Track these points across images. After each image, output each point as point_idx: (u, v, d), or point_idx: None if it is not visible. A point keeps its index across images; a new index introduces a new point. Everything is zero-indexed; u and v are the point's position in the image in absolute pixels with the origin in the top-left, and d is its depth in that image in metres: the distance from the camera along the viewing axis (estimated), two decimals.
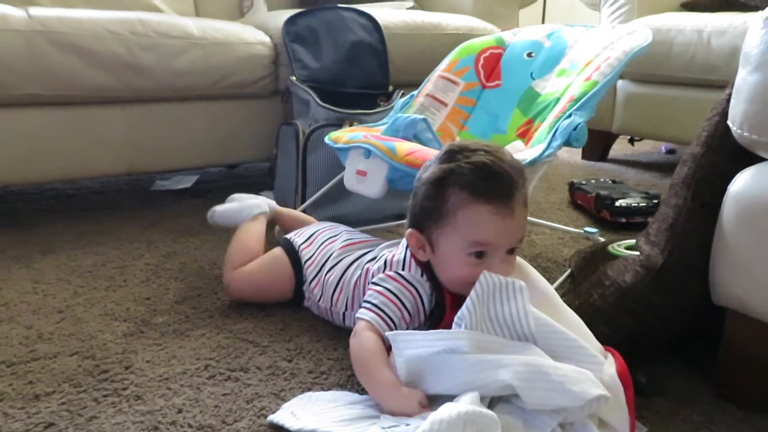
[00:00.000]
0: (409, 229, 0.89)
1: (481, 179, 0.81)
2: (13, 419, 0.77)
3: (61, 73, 1.41)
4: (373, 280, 0.92)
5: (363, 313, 0.86)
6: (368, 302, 0.88)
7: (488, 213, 0.81)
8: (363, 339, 0.83)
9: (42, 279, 1.19)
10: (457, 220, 0.83)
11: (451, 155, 0.85)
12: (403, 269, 0.90)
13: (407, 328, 0.88)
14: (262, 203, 1.25)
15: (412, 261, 0.90)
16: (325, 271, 1.03)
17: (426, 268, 0.90)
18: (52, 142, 1.47)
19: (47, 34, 1.38)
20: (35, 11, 1.40)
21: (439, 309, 0.89)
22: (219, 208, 1.25)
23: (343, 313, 0.99)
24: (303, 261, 1.06)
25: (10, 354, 0.92)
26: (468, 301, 0.78)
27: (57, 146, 1.47)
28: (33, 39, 1.37)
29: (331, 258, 1.04)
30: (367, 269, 0.97)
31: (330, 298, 1.00)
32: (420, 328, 0.90)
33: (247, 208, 1.23)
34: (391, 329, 0.85)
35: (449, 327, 0.88)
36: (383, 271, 0.92)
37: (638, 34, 1.29)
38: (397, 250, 0.95)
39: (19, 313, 1.05)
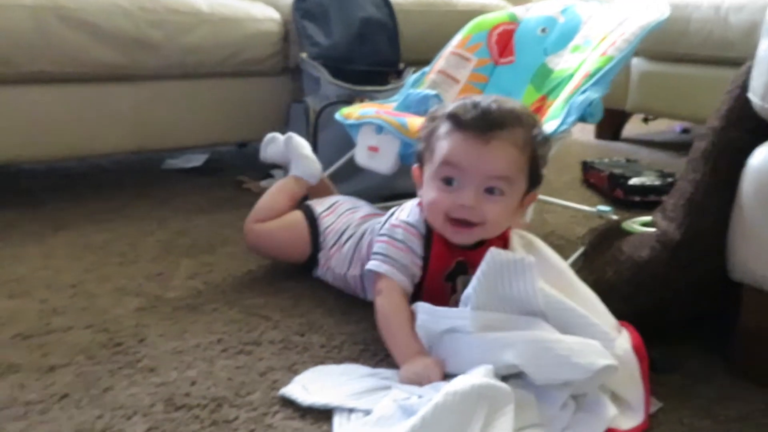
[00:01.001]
0: (414, 164, 0.93)
1: (463, 110, 0.85)
2: (29, 390, 0.77)
3: (69, 49, 1.40)
4: (381, 231, 0.93)
5: (376, 265, 0.88)
6: (379, 253, 0.89)
7: (461, 138, 0.84)
8: (390, 304, 0.85)
9: (54, 255, 1.20)
10: (436, 147, 0.86)
11: (458, 100, 0.90)
12: (408, 217, 0.92)
13: (420, 274, 0.90)
14: (313, 172, 1.22)
15: (418, 208, 0.92)
16: (344, 240, 1.04)
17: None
18: (62, 120, 1.46)
19: (55, 10, 1.37)
20: None
21: (426, 255, 0.90)
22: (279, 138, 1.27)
23: (360, 277, 1.00)
24: (322, 228, 1.07)
25: (24, 327, 0.92)
26: (474, 279, 0.78)
27: (66, 123, 1.47)
28: (41, 14, 1.36)
29: (349, 228, 1.05)
30: (377, 230, 0.98)
31: (347, 265, 1.01)
32: None
33: (297, 160, 1.22)
34: (407, 276, 0.88)
35: (435, 279, 0.90)
36: (390, 223, 0.93)
37: (655, 8, 1.26)
38: (406, 205, 0.97)
39: (33, 287, 1.06)
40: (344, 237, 1.05)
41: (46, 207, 1.48)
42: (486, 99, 0.86)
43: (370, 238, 0.99)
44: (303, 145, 1.24)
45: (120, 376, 0.81)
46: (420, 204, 0.92)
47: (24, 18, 1.34)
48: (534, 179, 0.88)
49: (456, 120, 0.84)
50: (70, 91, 1.46)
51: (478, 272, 0.77)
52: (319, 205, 1.13)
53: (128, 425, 0.71)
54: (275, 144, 1.27)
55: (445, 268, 0.90)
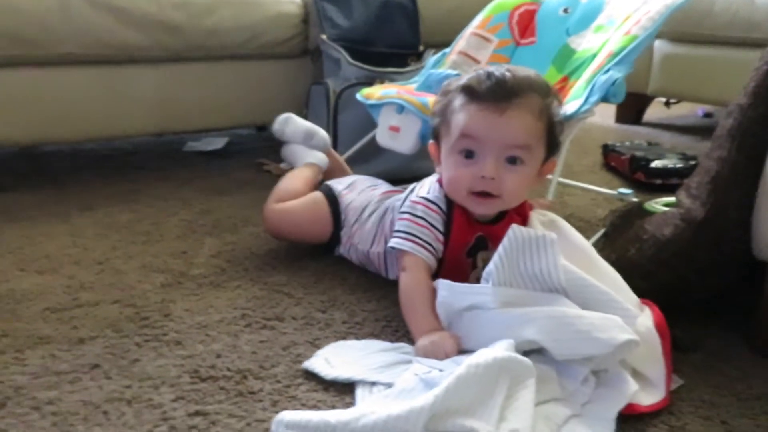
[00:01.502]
0: (431, 141, 0.92)
1: (477, 82, 0.85)
2: (60, 360, 0.79)
3: (94, 31, 1.42)
4: (402, 209, 0.94)
5: (400, 243, 0.89)
6: (401, 231, 0.90)
7: (477, 109, 0.84)
8: (413, 280, 0.86)
9: (81, 234, 1.22)
10: (452, 121, 0.86)
11: (471, 72, 0.90)
12: (428, 193, 0.92)
13: (442, 247, 0.90)
14: (318, 159, 1.24)
15: (437, 185, 0.92)
16: (366, 216, 1.04)
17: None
18: (86, 101, 1.48)
19: None
20: None
21: (446, 230, 0.90)
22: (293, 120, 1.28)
23: (383, 254, 1.00)
24: (344, 206, 1.08)
25: (54, 301, 0.95)
26: (496, 256, 0.78)
27: (90, 105, 1.49)
28: None
29: (371, 204, 1.06)
30: (397, 206, 0.99)
31: (370, 242, 1.02)
32: None
33: (315, 143, 1.25)
34: (431, 252, 0.88)
35: (456, 253, 0.90)
36: (410, 199, 0.93)
37: None
38: (426, 180, 0.97)
39: (61, 264, 1.08)
40: (366, 213, 1.05)
41: (71, 188, 1.50)
42: (499, 68, 0.85)
43: (392, 216, 1.00)
44: (305, 122, 1.27)
45: (147, 348, 0.83)
46: (439, 180, 0.92)
47: (50, 1, 1.36)
48: (552, 146, 0.88)
49: (470, 91, 0.84)
50: (94, 73, 1.48)
51: (500, 248, 0.77)
52: (338, 184, 1.14)
53: (156, 395, 0.73)
54: (294, 123, 1.27)
55: (465, 243, 0.90)
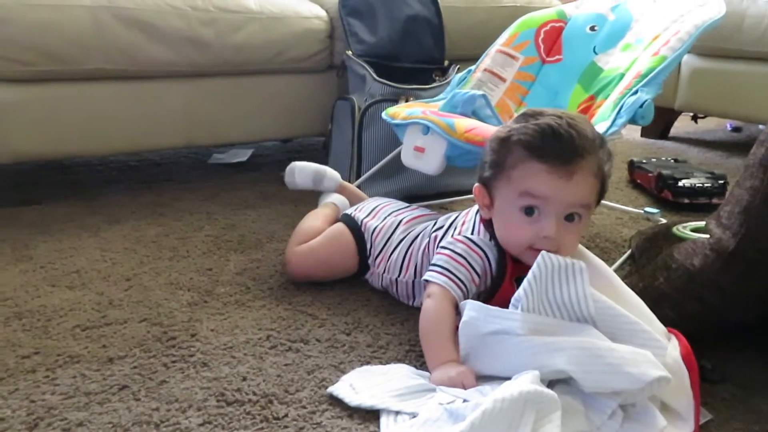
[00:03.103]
0: (476, 184, 0.91)
1: (541, 139, 0.82)
2: (90, 380, 0.81)
3: (125, 47, 1.44)
4: (442, 244, 0.93)
5: (434, 276, 0.88)
6: (437, 265, 0.89)
7: (541, 169, 0.82)
8: (437, 308, 0.85)
9: (109, 248, 1.24)
10: (512, 175, 0.85)
11: (523, 117, 0.87)
12: (472, 233, 0.92)
13: (477, 291, 0.90)
14: (335, 199, 1.25)
15: (481, 225, 0.92)
16: (394, 244, 1.04)
17: (493, 232, 0.90)
18: (115, 116, 1.51)
19: (112, 9, 1.42)
20: None
21: (498, 278, 0.90)
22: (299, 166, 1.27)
23: (413, 282, 1.00)
24: (369, 234, 1.07)
25: (84, 318, 0.96)
26: (525, 282, 0.78)
27: (120, 119, 1.52)
28: (99, 14, 1.40)
29: (399, 230, 1.05)
30: (435, 236, 0.99)
31: (398, 269, 1.02)
32: (483, 291, 0.91)
33: (326, 185, 1.26)
34: (462, 291, 0.87)
35: (505, 298, 0.89)
36: (452, 236, 0.93)
37: (711, 6, 1.23)
38: (466, 216, 0.96)
39: (91, 279, 1.10)
40: (394, 241, 1.04)
41: (100, 200, 1.53)
42: (559, 123, 0.82)
43: (424, 243, 0.99)
44: (311, 166, 1.26)
45: (174, 369, 0.84)
46: (483, 221, 0.91)
47: (82, 18, 1.39)
48: (600, 196, 0.88)
49: (535, 150, 0.82)
50: (124, 88, 1.50)
51: (530, 275, 0.77)
52: (359, 211, 1.12)
53: (183, 418, 0.74)
54: (302, 173, 1.26)
55: (513, 291, 0.90)
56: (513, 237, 0.86)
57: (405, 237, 1.04)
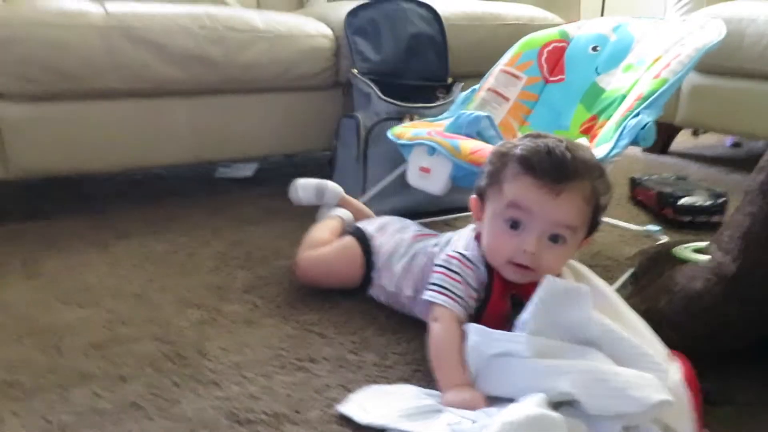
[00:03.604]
0: (473, 195, 0.93)
1: (536, 157, 0.85)
2: (103, 399, 0.82)
3: (134, 66, 1.46)
4: (437, 261, 0.95)
5: (434, 297, 0.90)
6: (435, 284, 0.91)
7: (531, 184, 0.84)
8: (445, 331, 0.87)
9: (118, 264, 1.26)
10: (503, 188, 0.87)
11: (527, 137, 0.90)
12: (465, 249, 0.94)
13: (475, 305, 0.91)
14: (341, 213, 1.28)
15: (476, 243, 0.94)
16: (396, 259, 1.06)
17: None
18: (124, 132, 1.53)
19: (123, 29, 1.44)
20: (111, 7, 1.46)
21: (487, 292, 0.92)
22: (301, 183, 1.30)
23: (412, 298, 1.02)
24: (375, 248, 1.10)
25: (95, 337, 0.98)
26: (531, 305, 0.80)
27: (128, 136, 1.53)
28: (109, 34, 1.43)
29: (402, 247, 1.07)
30: (431, 253, 1.01)
31: (399, 285, 1.04)
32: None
33: (328, 199, 1.29)
34: (463, 307, 0.89)
35: (496, 313, 0.91)
36: (447, 253, 0.95)
37: (711, 28, 1.26)
38: (462, 233, 0.99)
39: (101, 297, 1.12)
40: (396, 257, 1.07)
41: (107, 214, 1.55)
42: (558, 144, 0.85)
43: (423, 261, 1.02)
44: (312, 181, 1.30)
45: (185, 388, 0.85)
46: (477, 237, 0.94)
47: (94, 37, 1.41)
48: (592, 227, 0.90)
49: (527, 165, 0.85)
50: (132, 106, 1.52)
51: (535, 298, 0.79)
52: (369, 225, 1.16)
53: None
54: (304, 189, 1.29)
55: (503, 306, 0.92)
56: (495, 248, 0.88)
57: (407, 253, 1.06)
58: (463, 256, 0.92)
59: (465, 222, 1.46)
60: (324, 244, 1.15)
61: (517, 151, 0.87)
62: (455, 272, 0.91)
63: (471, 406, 0.77)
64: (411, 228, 1.13)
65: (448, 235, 1.03)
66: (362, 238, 1.12)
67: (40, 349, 0.94)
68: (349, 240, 1.13)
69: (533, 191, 0.84)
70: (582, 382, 0.72)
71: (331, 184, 1.30)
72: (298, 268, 1.14)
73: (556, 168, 0.84)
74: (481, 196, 0.92)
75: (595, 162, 0.88)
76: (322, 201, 1.29)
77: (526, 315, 0.79)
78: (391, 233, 1.12)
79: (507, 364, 0.79)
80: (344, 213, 1.28)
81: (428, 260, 1.00)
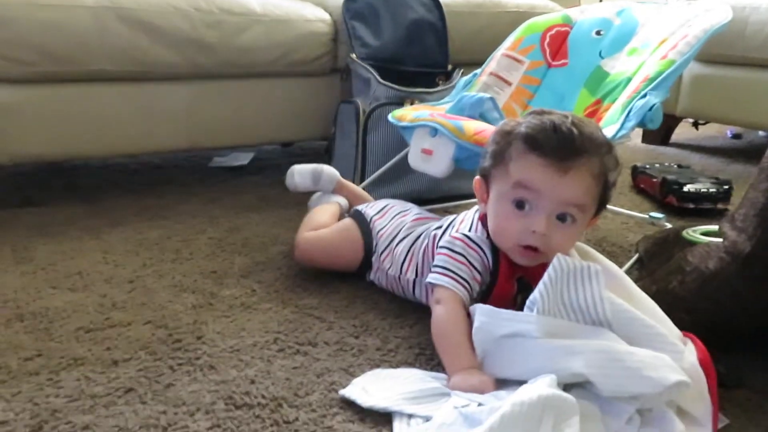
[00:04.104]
0: (477, 176, 0.90)
1: (542, 134, 0.82)
2: (94, 383, 0.79)
3: (128, 48, 1.43)
4: (441, 243, 0.92)
5: (437, 278, 0.87)
6: (438, 266, 0.88)
7: (538, 163, 0.81)
8: (449, 312, 0.84)
9: (112, 250, 1.23)
10: (509, 167, 0.84)
11: (531, 114, 0.87)
12: (469, 230, 0.91)
13: (479, 288, 0.88)
14: (340, 200, 1.26)
15: (479, 224, 0.91)
16: (396, 242, 1.04)
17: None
18: (117, 117, 1.49)
19: (115, 10, 1.40)
20: None
21: (493, 275, 0.89)
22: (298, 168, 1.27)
23: (414, 281, 0.99)
24: (376, 231, 1.07)
25: (87, 321, 0.95)
26: (541, 285, 0.77)
27: (121, 121, 1.50)
28: (102, 14, 1.39)
29: (403, 230, 1.05)
30: (434, 235, 0.98)
31: (400, 267, 1.01)
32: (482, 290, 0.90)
33: (324, 183, 1.26)
34: (467, 290, 0.86)
35: (502, 295, 0.89)
36: (450, 234, 0.92)
37: (717, 11, 1.23)
38: (466, 215, 0.96)
39: (93, 282, 1.08)
40: (397, 239, 1.05)
41: (101, 203, 1.51)
42: (563, 120, 0.82)
43: (425, 243, 0.99)
44: (308, 166, 1.27)
45: (181, 372, 0.82)
46: (482, 218, 0.91)
47: (85, 18, 1.37)
48: (601, 205, 0.87)
49: (534, 143, 0.82)
50: (126, 90, 1.49)
51: (545, 277, 0.76)
52: (370, 209, 1.13)
53: (191, 422, 0.72)
54: (301, 174, 1.26)
55: (510, 288, 0.89)
56: (503, 230, 0.86)
57: (408, 235, 1.03)
58: (468, 237, 0.90)
59: (466, 209, 1.42)
60: (323, 226, 1.13)
61: (522, 129, 0.84)
62: (459, 254, 0.88)
63: (480, 391, 0.74)
64: (412, 211, 1.11)
65: (451, 217, 1.01)
66: (362, 221, 1.09)
67: (29, 332, 0.91)
68: (349, 222, 1.11)
69: (540, 170, 0.81)
70: (596, 362, 0.69)
71: (327, 168, 1.26)
72: (297, 249, 1.12)
73: (563, 145, 0.81)
74: (486, 177, 0.90)
75: (602, 137, 0.85)
76: (318, 186, 1.26)
77: (535, 294, 0.77)
78: (391, 216, 1.09)
79: (516, 345, 0.76)
80: (341, 200, 1.26)
81: (431, 243, 0.97)
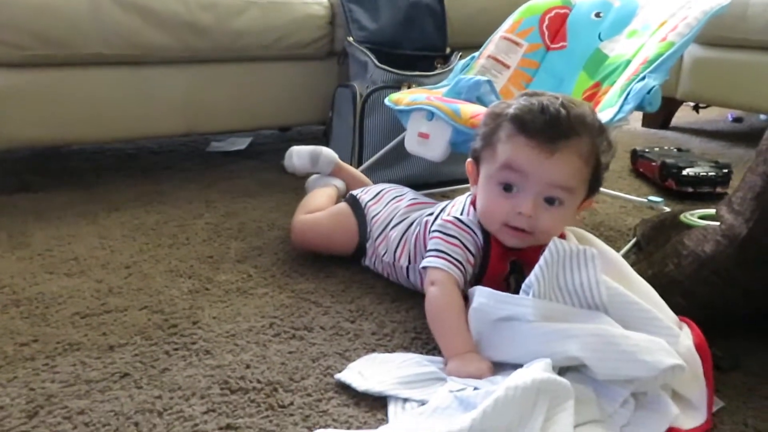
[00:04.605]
0: (469, 159, 0.90)
1: (529, 115, 0.81)
2: (90, 368, 0.79)
3: (122, 32, 1.42)
4: (433, 227, 0.92)
5: (432, 261, 0.87)
6: (432, 249, 0.88)
7: (525, 144, 0.80)
8: (444, 294, 0.83)
9: (108, 235, 1.22)
10: (497, 149, 0.84)
11: (523, 95, 0.86)
12: (461, 214, 0.91)
13: (473, 271, 0.88)
14: (338, 182, 1.26)
15: (471, 207, 0.91)
16: (391, 228, 1.03)
17: None
18: (113, 102, 1.49)
19: None
20: None
21: (484, 258, 0.89)
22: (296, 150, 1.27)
23: (407, 267, 0.99)
24: (370, 217, 1.07)
25: (83, 306, 0.95)
26: (537, 268, 0.77)
27: (118, 106, 1.49)
28: None
29: (397, 216, 1.04)
30: (426, 222, 0.97)
31: (393, 253, 1.01)
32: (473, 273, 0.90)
33: (323, 165, 1.25)
34: (462, 272, 0.86)
35: (494, 277, 0.88)
36: (442, 218, 0.91)
37: None
38: (458, 199, 0.96)
39: (89, 267, 1.08)
40: (391, 225, 1.04)
41: (98, 188, 1.51)
42: (553, 101, 0.81)
43: (418, 230, 0.98)
44: (307, 147, 1.26)
45: (176, 357, 0.82)
46: (473, 202, 0.90)
47: (79, 1, 1.36)
48: (593, 187, 0.86)
49: (521, 124, 0.81)
50: (121, 74, 1.48)
51: (541, 261, 0.76)
52: (364, 194, 1.12)
53: (186, 406, 0.72)
54: (299, 155, 1.26)
55: (502, 271, 0.89)
56: (490, 211, 0.85)
57: (402, 221, 1.03)
58: (459, 220, 0.89)
59: (462, 194, 1.42)
60: (320, 209, 1.13)
61: (511, 110, 0.84)
62: (452, 236, 0.88)
63: (477, 377, 0.74)
64: (407, 196, 1.10)
65: (443, 203, 1.00)
66: (356, 207, 1.09)
67: (25, 318, 0.91)
68: (344, 207, 1.11)
69: (526, 151, 0.81)
70: (591, 346, 0.69)
71: (325, 150, 1.26)
72: (293, 232, 1.12)
73: (549, 126, 0.80)
74: (477, 159, 0.89)
75: (593, 118, 0.84)
76: (316, 168, 1.26)
77: (531, 278, 0.76)
78: (386, 202, 1.09)
79: (512, 329, 0.76)
80: (339, 183, 1.25)
81: (422, 230, 0.97)
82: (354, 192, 1.14)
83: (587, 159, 0.82)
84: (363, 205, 1.09)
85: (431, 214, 0.99)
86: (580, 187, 0.84)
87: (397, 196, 1.11)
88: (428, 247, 0.90)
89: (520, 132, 0.81)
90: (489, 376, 0.74)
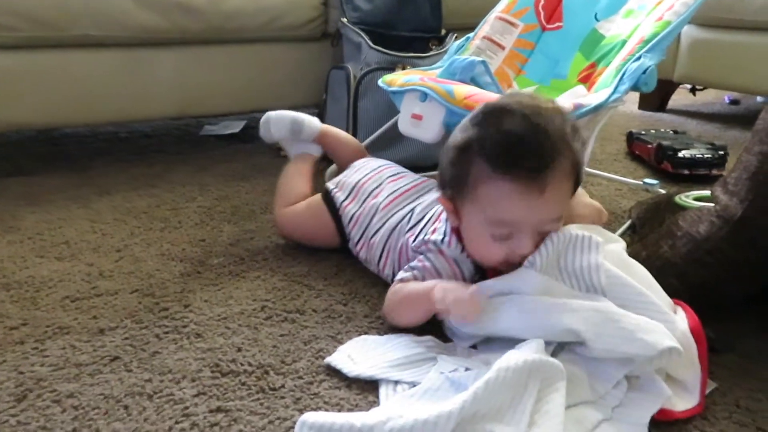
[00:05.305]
0: (440, 193, 0.84)
1: (505, 149, 0.73)
2: (80, 351, 0.78)
3: (112, 13, 1.40)
4: (415, 245, 0.89)
5: (403, 276, 0.86)
6: (414, 268, 0.86)
7: (510, 190, 0.73)
8: (398, 287, 0.85)
9: (99, 219, 1.21)
10: (478, 194, 0.76)
11: (483, 118, 0.78)
12: (442, 241, 0.85)
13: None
14: (311, 149, 1.20)
15: (453, 237, 0.85)
16: (371, 233, 0.99)
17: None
18: (104, 84, 1.47)
19: None
20: None
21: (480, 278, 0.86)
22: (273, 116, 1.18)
23: (392, 277, 0.94)
24: (346, 221, 1.03)
25: (73, 289, 0.94)
26: (542, 247, 0.76)
27: (109, 88, 1.48)
28: None
29: (377, 217, 0.99)
30: (408, 238, 0.92)
31: (377, 262, 0.98)
32: None
33: (305, 137, 1.18)
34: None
35: None
36: (426, 238, 0.87)
37: None
38: (439, 217, 0.90)
39: (80, 250, 1.07)
40: (371, 228, 0.99)
41: (90, 172, 1.50)
42: (525, 125, 0.73)
43: (401, 242, 0.94)
44: (287, 114, 1.17)
45: (167, 340, 0.81)
46: (454, 230, 0.84)
47: None
48: (574, 189, 0.81)
49: (501, 165, 0.73)
50: (113, 56, 1.46)
51: (546, 241, 0.76)
52: (340, 192, 1.06)
53: (177, 389, 0.72)
54: (277, 124, 1.17)
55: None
56: (485, 255, 0.81)
57: (384, 225, 0.98)
58: (439, 250, 0.85)
59: None
60: (297, 196, 1.10)
61: (482, 146, 0.75)
62: (435, 268, 0.85)
63: (468, 305, 0.73)
64: (385, 188, 1.03)
65: (419, 209, 0.95)
66: (332, 207, 1.05)
67: (15, 301, 0.90)
68: (321, 208, 1.06)
69: (515, 200, 0.74)
70: (591, 320, 0.68)
71: (308, 119, 1.17)
72: (276, 225, 1.12)
73: (533, 162, 0.72)
74: (448, 195, 0.81)
75: (566, 121, 0.77)
76: (298, 138, 1.17)
77: (535, 254, 0.76)
78: (362, 199, 1.03)
79: (512, 301, 0.74)
80: (315, 149, 1.18)
81: (404, 247, 0.93)
82: (329, 185, 1.09)
83: (571, 172, 0.77)
84: (338, 205, 1.04)
85: (414, 225, 0.93)
86: (569, 201, 0.80)
87: (373, 190, 1.04)
88: (410, 264, 0.87)
89: (503, 175, 0.73)
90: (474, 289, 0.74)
